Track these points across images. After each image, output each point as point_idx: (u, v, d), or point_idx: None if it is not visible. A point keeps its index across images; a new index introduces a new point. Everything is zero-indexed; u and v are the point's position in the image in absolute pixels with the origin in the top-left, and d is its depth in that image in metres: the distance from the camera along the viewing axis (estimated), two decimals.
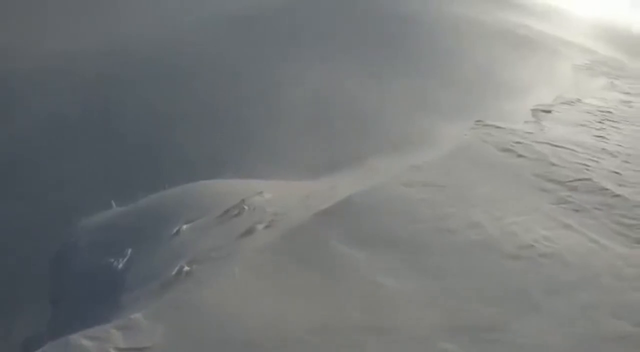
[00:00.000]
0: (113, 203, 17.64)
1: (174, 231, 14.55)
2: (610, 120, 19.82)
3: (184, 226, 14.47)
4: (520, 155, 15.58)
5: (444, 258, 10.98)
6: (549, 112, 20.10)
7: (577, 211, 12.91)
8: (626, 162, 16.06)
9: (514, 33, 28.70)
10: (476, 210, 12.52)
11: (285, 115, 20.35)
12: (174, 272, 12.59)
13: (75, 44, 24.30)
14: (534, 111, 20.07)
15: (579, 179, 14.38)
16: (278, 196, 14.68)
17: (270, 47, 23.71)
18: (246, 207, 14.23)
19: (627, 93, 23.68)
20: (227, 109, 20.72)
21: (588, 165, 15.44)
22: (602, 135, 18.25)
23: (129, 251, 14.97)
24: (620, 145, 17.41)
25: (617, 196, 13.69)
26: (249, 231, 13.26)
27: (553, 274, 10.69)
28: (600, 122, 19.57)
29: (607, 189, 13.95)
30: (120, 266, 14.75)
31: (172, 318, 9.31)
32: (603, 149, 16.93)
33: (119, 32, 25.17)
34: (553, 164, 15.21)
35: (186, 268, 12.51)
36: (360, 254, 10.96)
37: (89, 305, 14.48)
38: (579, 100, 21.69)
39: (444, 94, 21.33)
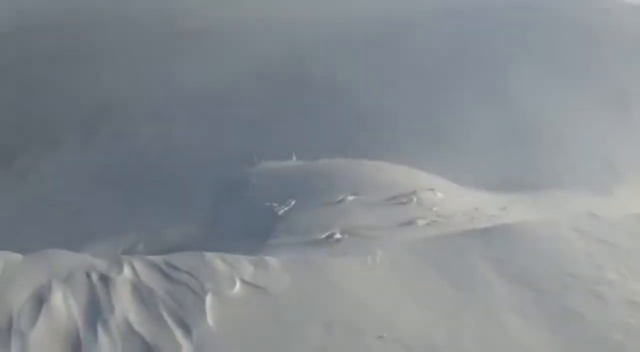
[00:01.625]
0: (294, 155, 18.03)
1: (340, 198, 14.45)
2: None
3: (350, 197, 14.35)
4: None
5: (583, 325, 9.35)
6: None
7: None
8: None
9: None
10: None
11: (480, 120, 19.20)
12: (324, 236, 12.59)
13: None
14: None
15: None
16: (448, 197, 14.10)
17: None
18: (415, 199, 13.82)
19: None
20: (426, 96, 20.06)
21: None
22: None
23: (293, 202, 15.08)
24: None
25: None
26: (410, 223, 12.85)
27: None
28: None
29: None
30: (281, 212, 14.94)
31: (302, 277, 9.07)
32: None
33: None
34: None
35: (337, 235, 12.44)
36: (498, 286, 9.86)
37: (241, 236, 14.75)
38: None
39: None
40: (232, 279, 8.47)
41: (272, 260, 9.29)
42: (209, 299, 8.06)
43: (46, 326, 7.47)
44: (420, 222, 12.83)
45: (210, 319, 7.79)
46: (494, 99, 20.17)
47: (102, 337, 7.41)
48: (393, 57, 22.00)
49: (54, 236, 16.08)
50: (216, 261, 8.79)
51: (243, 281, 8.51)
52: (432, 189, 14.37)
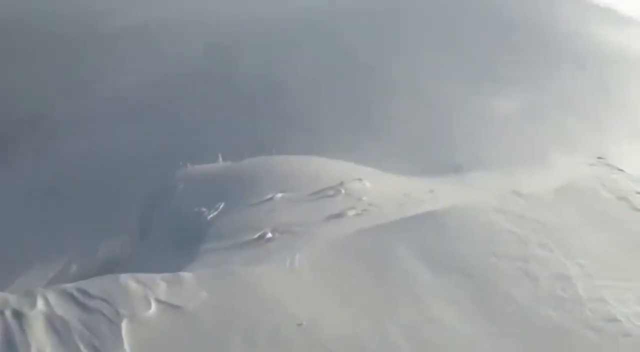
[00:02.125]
0: (220, 157, 17.54)
1: (268, 196, 14.11)
2: None
3: (279, 194, 14.03)
4: (637, 209, 13.05)
5: (515, 307, 9.21)
6: None
7: None
8: None
9: None
10: (569, 260, 10.51)
11: (400, 107, 18.98)
12: (255, 236, 12.23)
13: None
14: None
15: None
16: (376, 186, 13.87)
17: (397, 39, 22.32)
18: (343, 191, 13.57)
19: None
20: (346, 88, 19.81)
21: None
22: None
23: (222, 205, 14.63)
24: None
25: None
26: (339, 215, 12.59)
27: None
28: None
29: None
30: (210, 216, 14.49)
31: (219, 290, 8.72)
32: None
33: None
34: None
35: (269, 235, 12.12)
36: (425, 276, 9.60)
37: (173, 245, 14.34)
38: None
39: (568, 120, 18.91)
40: (146, 300, 8.07)
41: (186, 275, 8.88)
42: (124, 324, 7.67)
43: None
44: (350, 213, 12.62)
45: (126, 346, 7.41)
46: (410, 87, 20.03)
47: None
48: (315, 55, 21.63)
49: None
50: (130, 283, 8.36)
51: (158, 301, 8.12)
52: (359, 179, 14.13)
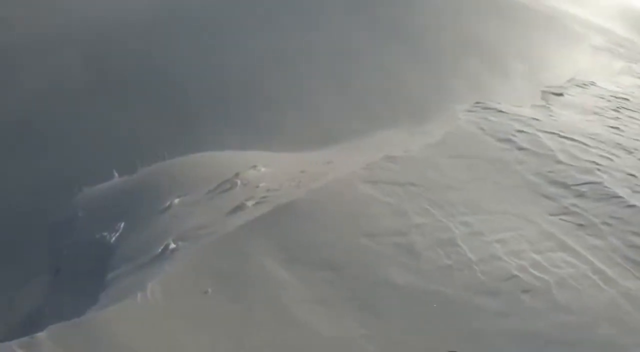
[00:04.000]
0: (115, 173, 16.39)
1: (166, 205, 13.28)
2: (627, 109, 15.97)
3: (176, 200, 13.19)
4: (521, 148, 12.21)
5: (394, 291, 7.92)
6: (560, 95, 16.47)
7: (581, 225, 9.57)
8: None
9: (526, 7, 23.41)
10: (453, 221, 9.35)
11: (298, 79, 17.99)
12: (159, 250, 11.32)
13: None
14: (544, 93, 16.49)
15: (588, 183, 11.02)
16: (272, 170, 13.06)
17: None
18: (239, 182, 12.78)
19: None
20: (221, 77, 18.79)
21: (600, 165, 11.86)
22: (617, 126, 14.48)
23: (122, 225, 13.79)
24: (637, 140, 13.66)
25: (632, 206, 10.22)
26: (239, 208, 11.72)
27: (535, 319, 7.54)
28: (615, 110, 15.80)
29: (620, 197, 10.46)
30: (113, 240, 13.64)
31: (73, 344, 7.79)
32: (618, 143, 13.27)
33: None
34: (559, 162, 11.77)
35: (172, 245, 11.20)
36: (285, 278, 8.38)
37: (86, 278, 13.30)
38: (593, 84, 17.81)
39: (444, 69, 18.16)
40: None
41: (41, 337, 7.88)
42: None
43: None
44: (249, 203, 11.83)
45: None
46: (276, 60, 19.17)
47: None
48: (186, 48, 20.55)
49: None
50: None
51: None
52: (254, 166, 13.30)
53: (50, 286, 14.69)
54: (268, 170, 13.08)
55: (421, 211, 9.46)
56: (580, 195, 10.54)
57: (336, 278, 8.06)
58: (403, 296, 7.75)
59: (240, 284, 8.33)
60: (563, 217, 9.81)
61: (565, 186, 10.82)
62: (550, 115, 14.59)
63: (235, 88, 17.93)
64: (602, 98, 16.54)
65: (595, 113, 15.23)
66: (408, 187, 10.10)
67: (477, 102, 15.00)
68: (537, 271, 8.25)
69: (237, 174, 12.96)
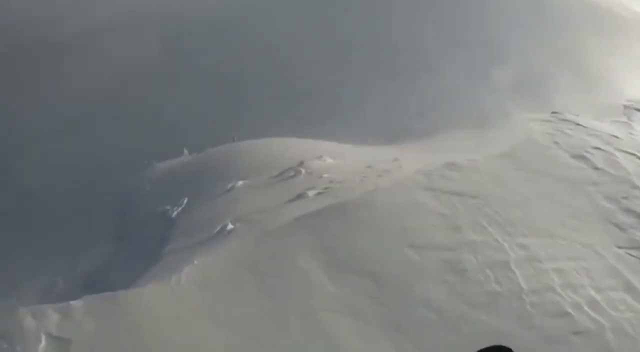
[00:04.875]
0: (185, 150, 16.52)
1: (229, 186, 13.16)
2: None
3: (239, 182, 13.08)
4: (596, 168, 10.90)
5: (433, 315, 7.13)
6: None
7: None
8: None
9: (607, 12, 21.12)
10: (509, 242, 8.35)
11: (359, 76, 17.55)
12: (217, 229, 11.23)
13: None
14: (626, 108, 15.02)
15: None
16: (338, 161, 12.74)
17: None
18: (303, 171, 12.54)
19: None
20: (297, 65, 18.52)
21: None
22: None
23: (185, 200, 13.81)
24: None
25: None
26: (300, 196, 11.50)
27: None
28: None
29: None
30: (174, 214, 13.69)
31: (105, 319, 7.70)
32: None
33: None
34: (635, 187, 10.36)
35: (230, 226, 11.09)
36: (322, 282, 7.83)
37: (144, 248, 13.42)
38: None
39: (521, 76, 16.92)
40: (38, 335, 7.16)
41: (77, 304, 7.90)
42: None
43: None
44: (311, 193, 11.59)
45: None
46: (367, 52, 18.67)
47: None
48: (260, 38, 20.39)
49: None
50: (26, 317, 7.45)
51: (48, 336, 7.22)
52: (320, 156, 13.07)
53: (111, 252, 15.01)
54: (333, 162, 12.81)
55: (476, 227, 8.57)
56: None
57: (375, 290, 7.44)
58: (443, 320, 6.99)
59: (275, 282, 7.92)
60: (632, 251, 8.59)
61: (638, 216, 9.54)
62: (631, 134, 13.31)
63: (306, 78, 17.69)
64: None
65: None
66: (466, 199, 9.20)
67: (554, 112, 14.09)
68: (593, 311, 7.26)
69: (301, 163, 12.75)
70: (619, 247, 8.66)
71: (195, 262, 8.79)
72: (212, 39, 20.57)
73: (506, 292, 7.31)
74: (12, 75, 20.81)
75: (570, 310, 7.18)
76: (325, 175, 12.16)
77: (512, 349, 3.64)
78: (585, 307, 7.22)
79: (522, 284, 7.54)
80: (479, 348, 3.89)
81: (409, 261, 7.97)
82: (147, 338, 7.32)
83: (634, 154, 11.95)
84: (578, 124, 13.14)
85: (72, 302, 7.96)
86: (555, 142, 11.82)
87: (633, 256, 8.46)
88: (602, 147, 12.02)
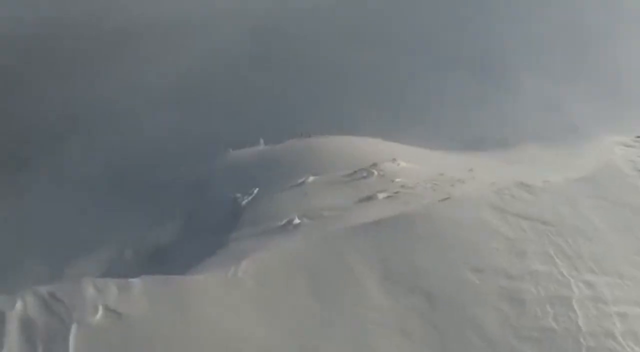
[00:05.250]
0: (261, 140, 16.68)
1: (301, 180, 13.16)
2: None
3: (311, 178, 13.08)
4: None
5: (483, 343, 6.72)
6: None
7: None
8: None
9: None
10: (575, 277, 7.76)
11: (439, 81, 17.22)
12: (284, 222, 11.30)
13: None
14: None
15: None
16: (411, 166, 12.53)
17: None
18: (375, 173, 12.43)
19: None
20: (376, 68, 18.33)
21: None
22: None
23: (256, 190, 13.88)
24: None
25: None
26: (370, 198, 11.44)
27: None
28: None
29: None
30: (245, 202, 13.77)
31: (160, 299, 7.81)
32: None
33: None
34: None
35: (296, 220, 11.15)
36: (376, 295, 7.53)
37: (212, 231, 13.60)
38: None
39: (610, 92, 16.11)
40: (96, 306, 7.37)
41: (136, 283, 7.99)
42: (73, 329, 7.07)
43: None
44: (381, 195, 11.49)
45: (71, 349, 6.86)
46: (449, 60, 18.30)
47: None
48: (348, 39, 20.28)
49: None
50: (88, 288, 7.65)
51: (106, 308, 7.41)
52: (394, 159, 12.90)
53: (180, 230, 15.31)
54: (407, 166, 12.63)
55: (542, 256, 8.03)
56: None
57: (427, 309, 7.15)
58: (490, 350, 6.67)
59: (328, 286, 7.76)
60: None
61: None
62: None
63: (389, 80, 17.50)
64: None
65: None
66: (536, 224, 8.66)
67: (638, 137, 13.39)
68: None
69: (375, 164, 12.65)
70: None
71: (254, 256, 8.79)
72: (299, 34, 20.64)
73: (563, 332, 6.83)
74: (93, 69, 21.53)
75: None
76: (398, 179, 12.02)
77: None
78: None
79: (581, 325, 7.05)
80: None
81: (466, 283, 7.64)
82: (196, 323, 7.43)
83: None
84: None
85: (131, 280, 8.08)
86: (638, 170, 11.12)
87: None
88: None
